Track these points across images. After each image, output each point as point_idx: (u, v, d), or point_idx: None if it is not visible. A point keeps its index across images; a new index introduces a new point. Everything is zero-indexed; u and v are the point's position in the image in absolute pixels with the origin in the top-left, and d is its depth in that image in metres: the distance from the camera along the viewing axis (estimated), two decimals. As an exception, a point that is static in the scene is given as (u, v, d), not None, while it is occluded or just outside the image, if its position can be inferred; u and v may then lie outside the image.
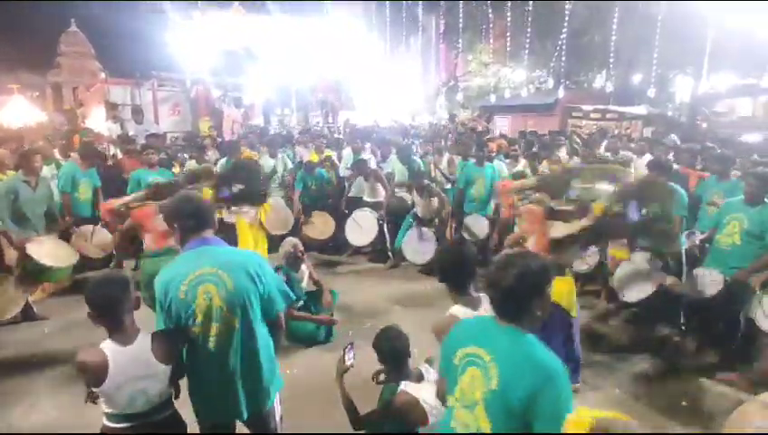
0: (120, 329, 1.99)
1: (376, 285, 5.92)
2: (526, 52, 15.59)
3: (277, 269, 4.29)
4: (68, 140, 7.05)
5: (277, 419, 2.35)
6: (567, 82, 15.24)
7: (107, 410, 2.01)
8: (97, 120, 10.69)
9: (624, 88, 15.07)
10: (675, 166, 6.21)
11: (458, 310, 2.27)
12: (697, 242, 4.36)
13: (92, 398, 2.07)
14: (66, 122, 10.92)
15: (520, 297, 1.65)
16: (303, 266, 4.50)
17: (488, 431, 1.59)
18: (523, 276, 1.63)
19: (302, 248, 4.39)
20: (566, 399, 1.54)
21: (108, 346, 1.98)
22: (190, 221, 2.11)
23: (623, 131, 12.95)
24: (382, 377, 2.50)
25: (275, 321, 2.22)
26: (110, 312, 1.97)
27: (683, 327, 4.50)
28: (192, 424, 2.24)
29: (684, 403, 3.60)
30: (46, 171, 5.93)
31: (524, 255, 1.79)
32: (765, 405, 1.80)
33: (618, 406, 3.53)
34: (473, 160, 6.50)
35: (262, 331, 2.15)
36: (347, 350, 2.53)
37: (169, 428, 2.09)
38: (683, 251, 4.32)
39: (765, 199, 3.81)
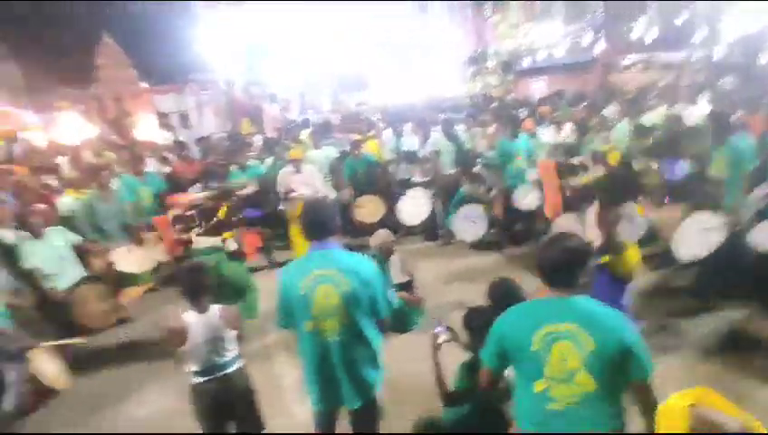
0: (198, 302, 2.62)
1: (432, 263, 6.07)
2: (558, 5, 14.93)
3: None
4: (132, 154, 7.45)
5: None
6: (604, 34, 14.51)
7: (192, 369, 2.60)
8: (147, 130, 11.21)
9: (668, 32, 14.21)
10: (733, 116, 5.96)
11: None
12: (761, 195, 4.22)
13: (179, 360, 2.63)
14: (114, 133, 11.44)
15: (573, 268, 1.86)
16: (395, 258, 4.61)
17: (594, 391, 1.72)
18: (571, 251, 1.87)
19: (393, 239, 4.54)
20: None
21: (188, 315, 2.60)
22: (313, 228, 2.38)
23: (670, 81, 12.29)
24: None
25: (381, 322, 2.44)
26: (195, 290, 2.62)
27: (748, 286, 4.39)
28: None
29: (756, 361, 3.58)
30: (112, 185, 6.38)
31: (569, 234, 1.99)
32: None
33: (690, 366, 3.59)
34: (506, 136, 6.51)
35: (369, 328, 2.37)
36: (439, 327, 2.53)
37: (240, 379, 2.69)
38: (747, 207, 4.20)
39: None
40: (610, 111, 7.54)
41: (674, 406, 1.43)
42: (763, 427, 2.74)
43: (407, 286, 4.65)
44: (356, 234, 6.94)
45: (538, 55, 16.35)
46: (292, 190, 6.25)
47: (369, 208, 6.91)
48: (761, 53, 12.51)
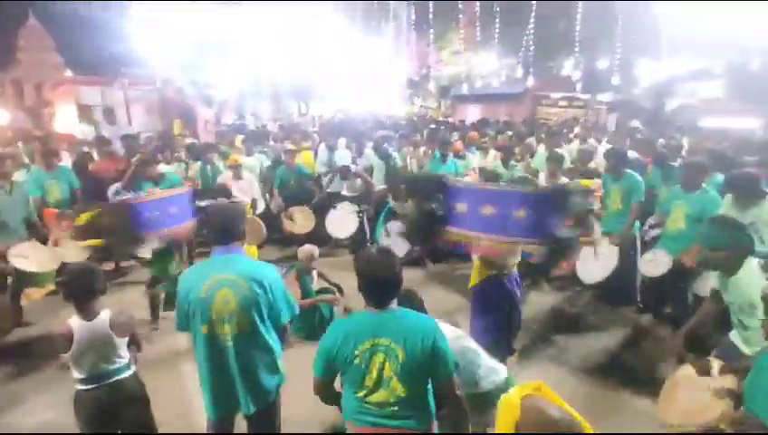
0: (85, 308, 2.45)
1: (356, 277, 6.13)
2: (496, 40, 15.87)
3: (292, 268, 4.67)
4: (46, 146, 6.89)
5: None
6: (534, 71, 15.58)
7: (77, 376, 2.46)
8: (67, 122, 10.48)
9: (591, 74, 15.53)
10: (634, 154, 6.63)
11: None
12: (647, 228, 4.73)
13: (63, 367, 2.50)
14: (29, 122, 10.60)
15: (399, 284, 2.07)
16: (314, 271, 4.84)
17: (405, 395, 1.97)
18: (390, 270, 2.06)
19: (316, 256, 4.75)
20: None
21: (74, 321, 2.45)
22: (218, 232, 2.37)
23: (589, 118, 13.41)
24: None
25: (281, 328, 2.47)
26: (81, 295, 2.44)
27: (639, 305, 4.89)
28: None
29: (635, 374, 3.98)
30: (19, 177, 5.89)
31: (389, 249, 2.15)
32: (688, 376, 2.06)
33: (568, 377, 3.95)
34: (438, 155, 6.81)
35: (268, 333, 2.38)
36: None
37: (130, 386, 2.57)
38: (637, 236, 4.69)
39: (703, 185, 4.19)
40: (533, 140, 8.10)
41: (510, 399, 1.52)
42: (633, 429, 3.04)
43: (323, 293, 4.82)
44: (286, 243, 6.90)
45: (476, 83, 17.21)
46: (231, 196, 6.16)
47: (299, 220, 6.91)
48: (667, 99, 14.01)
